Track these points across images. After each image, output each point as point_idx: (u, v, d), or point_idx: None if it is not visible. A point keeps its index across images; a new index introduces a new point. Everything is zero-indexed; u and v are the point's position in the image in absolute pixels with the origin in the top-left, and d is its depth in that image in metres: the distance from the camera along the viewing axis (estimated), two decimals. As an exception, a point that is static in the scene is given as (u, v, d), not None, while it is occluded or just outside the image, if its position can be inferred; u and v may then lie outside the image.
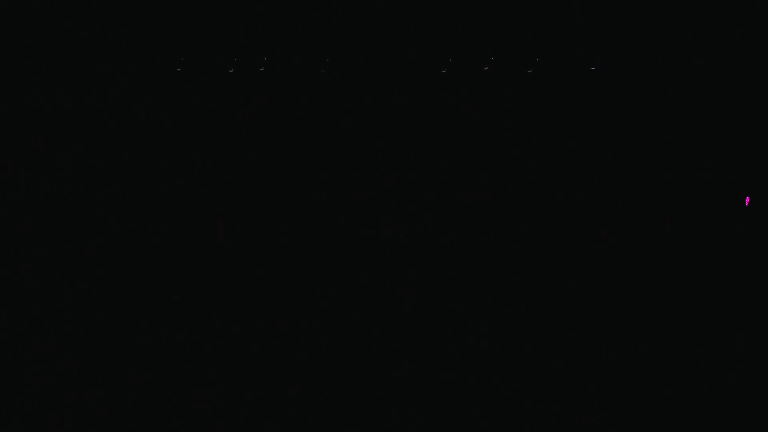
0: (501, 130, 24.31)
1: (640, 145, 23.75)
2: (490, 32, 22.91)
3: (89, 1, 21.82)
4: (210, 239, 19.46)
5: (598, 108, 23.95)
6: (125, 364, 13.14)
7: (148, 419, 10.86)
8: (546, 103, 24.12)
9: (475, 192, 24.53)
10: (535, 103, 24.08)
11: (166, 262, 22.16)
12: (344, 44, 23.25)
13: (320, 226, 24.64)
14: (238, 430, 10.37)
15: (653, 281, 19.93)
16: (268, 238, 24.03)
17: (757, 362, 13.25)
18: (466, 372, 12.69)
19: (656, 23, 22.63)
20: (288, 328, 15.72)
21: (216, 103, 24.21)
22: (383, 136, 24.68)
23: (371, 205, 24.85)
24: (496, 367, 13.01)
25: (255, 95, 24.10)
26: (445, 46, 23.33)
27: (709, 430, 10.47)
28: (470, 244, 24.14)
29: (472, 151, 24.52)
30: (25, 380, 12.06)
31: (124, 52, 22.78)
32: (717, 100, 23.27)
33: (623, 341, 14.80)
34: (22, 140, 23.22)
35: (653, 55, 23.23)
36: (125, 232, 23.55)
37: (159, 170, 23.95)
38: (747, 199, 19.02)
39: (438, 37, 23.02)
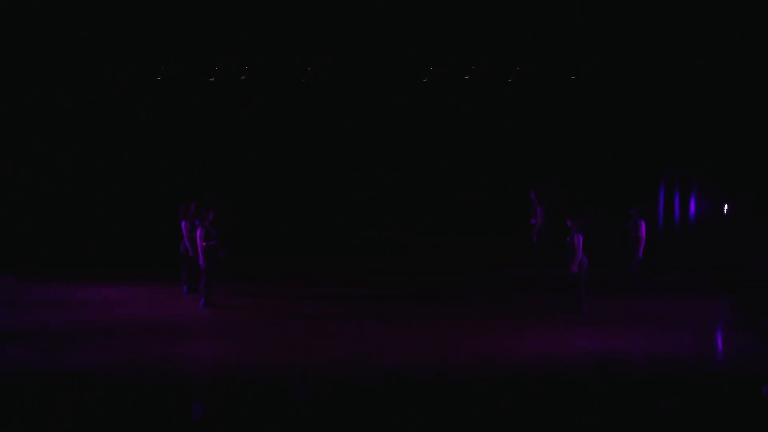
0: (501, 130, 24.30)
1: (636, 147, 23.70)
2: (489, 33, 22.87)
3: (89, 2, 21.77)
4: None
5: (592, 111, 23.90)
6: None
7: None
8: (544, 105, 24.10)
9: (475, 192, 24.52)
10: (533, 104, 24.06)
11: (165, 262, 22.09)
12: (344, 45, 23.20)
13: (320, 226, 24.63)
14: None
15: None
16: (268, 238, 24.03)
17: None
18: (465, 368, 12.69)
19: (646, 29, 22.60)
20: (287, 327, 15.68)
21: (216, 104, 24.21)
22: (383, 136, 24.67)
23: (371, 205, 24.84)
24: (494, 363, 13.02)
25: (255, 95, 24.07)
26: (444, 47, 23.29)
27: None
28: (469, 244, 24.10)
29: (472, 151, 24.51)
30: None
31: (124, 52, 22.74)
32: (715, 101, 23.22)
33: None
34: (22, 140, 23.19)
35: (645, 60, 23.18)
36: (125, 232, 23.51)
37: (159, 170, 23.93)
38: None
39: (438, 38, 22.98)
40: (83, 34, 21.86)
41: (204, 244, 16.80)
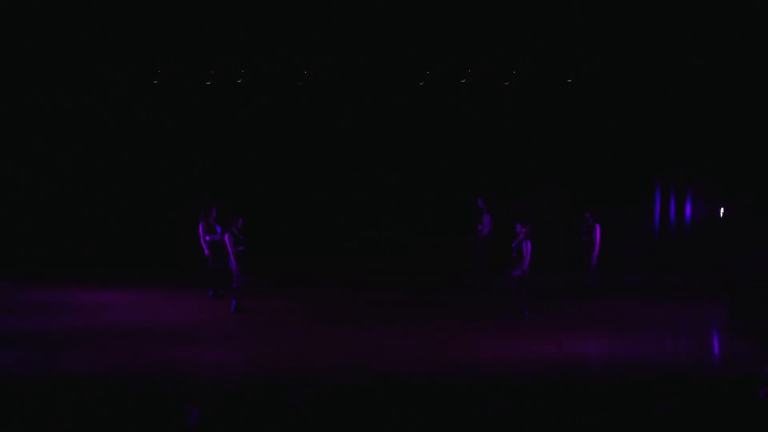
0: (501, 130, 24.26)
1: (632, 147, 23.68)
2: (489, 33, 22.84)
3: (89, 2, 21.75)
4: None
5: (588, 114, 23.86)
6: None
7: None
8: (543, 106, 24.06)
9: (474, 192, 24.47)
10: (533, 104, 24.03)
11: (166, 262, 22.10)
12: (344, 45, 23.18)
13: (320, 226, 24.61)
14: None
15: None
16: (268, 238, 24.00)
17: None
18: (464, 370, 12.70)
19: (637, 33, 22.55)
20: (286, 329, 15.70)
21: (215, 104, 24.18)
22: (383, 136, 24.64)
23: (371, 205, 24.82)
24: (495, 361, 13.03)
25: (255, 96, 24.05)
26: (444, 47, 23.27)
27: None
28: (469, 243, 24.06)
29: (472, 151, 24.47)
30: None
31: (124, 52, 22.72)
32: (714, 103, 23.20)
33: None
34: (23, 140, 23.18)
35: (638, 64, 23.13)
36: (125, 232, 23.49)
37: (159, 170, 23.91)
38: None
39: (438, 38, 22.95)
40: (83, 34, 21.85)
41: (239, 248, 16.89)
